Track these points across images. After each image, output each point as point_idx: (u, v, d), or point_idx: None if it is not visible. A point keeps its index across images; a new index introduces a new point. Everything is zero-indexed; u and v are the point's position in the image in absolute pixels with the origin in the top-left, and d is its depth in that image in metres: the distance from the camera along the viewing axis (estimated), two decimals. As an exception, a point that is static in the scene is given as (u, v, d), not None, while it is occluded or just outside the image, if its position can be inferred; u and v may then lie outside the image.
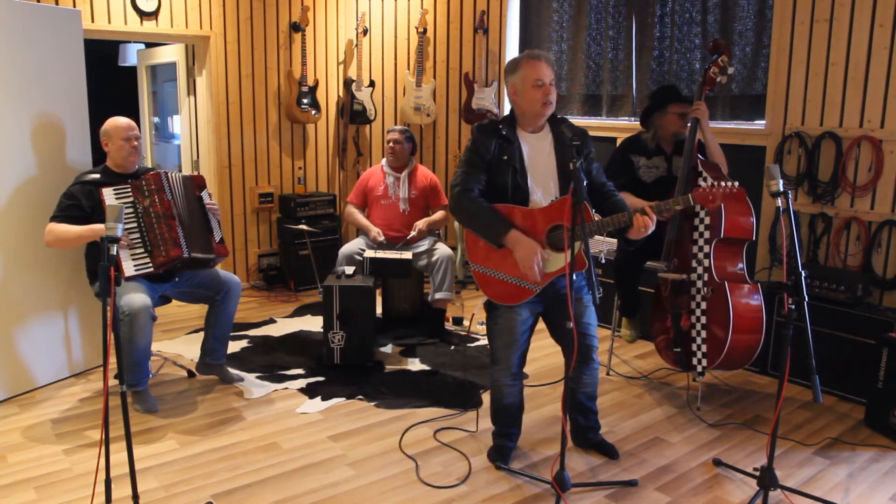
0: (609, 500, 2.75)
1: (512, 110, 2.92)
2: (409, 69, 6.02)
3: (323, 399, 3.60)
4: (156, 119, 6.58)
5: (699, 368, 3.40)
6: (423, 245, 4.56)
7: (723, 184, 2.68)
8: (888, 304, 3.81)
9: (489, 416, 3.11)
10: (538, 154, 2.86)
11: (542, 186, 2.83)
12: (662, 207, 2.74)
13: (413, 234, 4.51)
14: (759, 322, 3.31)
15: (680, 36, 4.91)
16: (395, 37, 6.00)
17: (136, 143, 3.48)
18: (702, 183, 2.72)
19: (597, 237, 5.18)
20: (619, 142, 4.19)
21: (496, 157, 2.82)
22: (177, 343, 4.38)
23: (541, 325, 3.04)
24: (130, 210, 3.33)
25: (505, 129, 2.84)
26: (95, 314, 3.86)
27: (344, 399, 3.61)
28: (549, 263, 2.77)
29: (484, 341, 4.45)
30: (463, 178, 2.82)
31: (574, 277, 2.83)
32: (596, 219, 2.75)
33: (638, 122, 3.94)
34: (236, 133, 5.44)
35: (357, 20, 5.75)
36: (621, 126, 5.25)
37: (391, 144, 4.62)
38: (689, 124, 3.57)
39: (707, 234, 3.35)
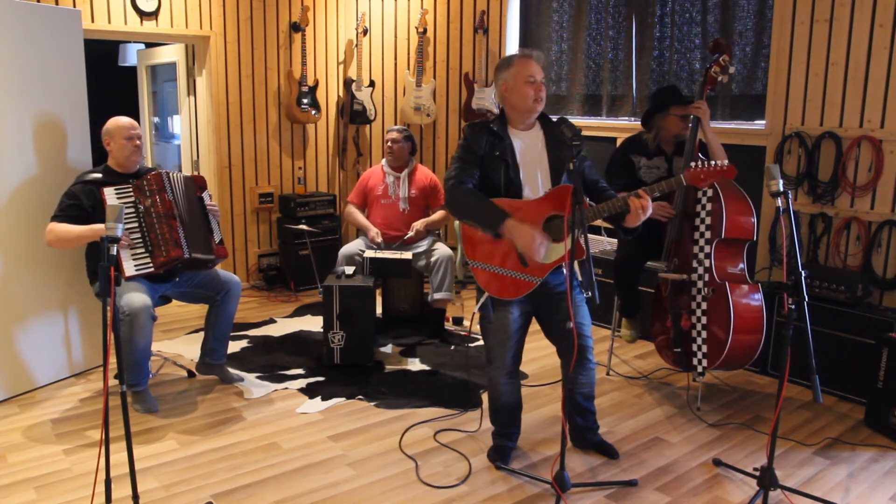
0: (609, 500, 2.75)
1: (502, 110, 2.94)
2: (409, 69, 6.02)
3: (323, 399, 3.60)
4: (156, 119, 6.58)
5: (699, 368, 3.40)
6: (423, 245, 4.56)
7: (714, 163, 2.70)
8: (888, 304, 3.81)
9: (489, 416, 3.11)
10: (530, 150, 2.88)
11: (535, 181, 2.85)
12: (656, 189, 2.76)
13: (410, 234, 4.51)
14: (759, 322, 3.31)
15: (680, 36, 4.91)
16: (395, 37, 6.00)
17: (138, 142, 3.48)
18: (692, 164, 2.76)
19: (596, 237, 5.18)
20: (619, 142, 4.19)
21: (488, 152, 2.84)
22: (177, 343, 4.38)
23: (536, 325, 3.04)
24: (131, 210, 3.33)
25: (496, 126, 2.87)
26: (95, 314, 3.86)
27: (344, 399, 3.61)
28: (546, 253, 2.77)
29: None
30: (457, 173, 2.84)
31: (564, 273, 2.83)
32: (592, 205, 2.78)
33: (638, 122, 3.94)
34: (236, 133, 5.44)
35: (357, 20, 5.75)
36: (621, 126, 5.25)
37: (389, 144, 4.62)
38: (690, 124, 3.57)
39: (708, 235, 3.35)
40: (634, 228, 2.79)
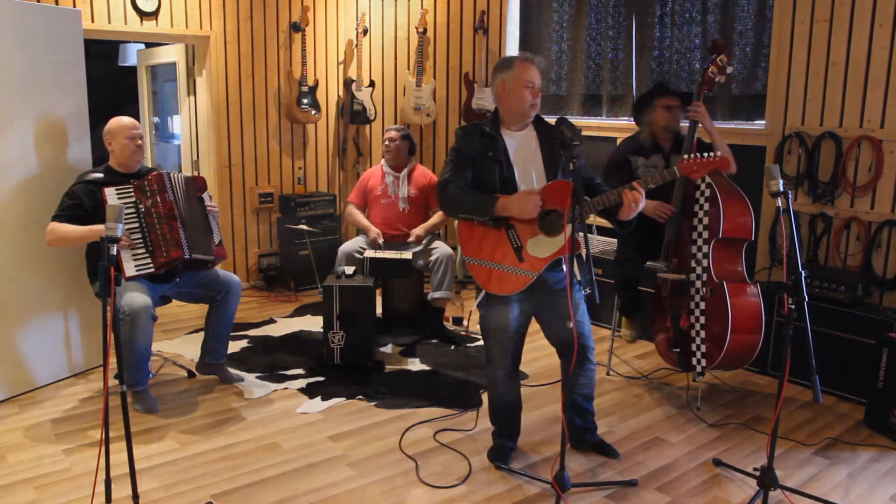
0: (609, 500, 2.75)
1: (496, 110, 2.94)
2: (409, 69, 6.02)
3: (323, 399, 3.60)
4: (156, 119, 6.58)
5: (698, 368, 3.40)
6: (422, 244, 4.56)
7: (707, 154, 2.72)
8: (888, 304, 3.81)
9: (488, 415, 3.11)
10: (524, 149, 2.88)
11: (530, 180, 2.85)
12: (649, 180, 2.76)
13: (410, 239, 4.52)
14: (758, 322, 3.31)
15: (680, 36, 4.91)
16: (395, 37, 6.00)
17: (139, 141, 3.49)
18: (686, 156, 2.77)
19: (597, 238, 5.18)
20: (619, 142, 4.19)
21: (481, 153, 2.85)
22: (177, 343, 4.38)
23: (536, 326, 3.04)
24: (132, 210, 3.33)
25: (488, 127, 2.88)
26: (95, 314, 3.86)
27: (344, 399, 3.61)
28: (541, 248, 2.77)
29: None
30: (449, 176, 2.86)
31: (563, 270, 2.83)
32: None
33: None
34: (236, 133, 5.44)
35: (357, 20, 5.74)
36: (621, 126, 5.25)
37: (387, 143, 4.63)
38: (686, 123, 3.58)
39: (705, 235, 3.35)
40: (629, 222, 2.79)
